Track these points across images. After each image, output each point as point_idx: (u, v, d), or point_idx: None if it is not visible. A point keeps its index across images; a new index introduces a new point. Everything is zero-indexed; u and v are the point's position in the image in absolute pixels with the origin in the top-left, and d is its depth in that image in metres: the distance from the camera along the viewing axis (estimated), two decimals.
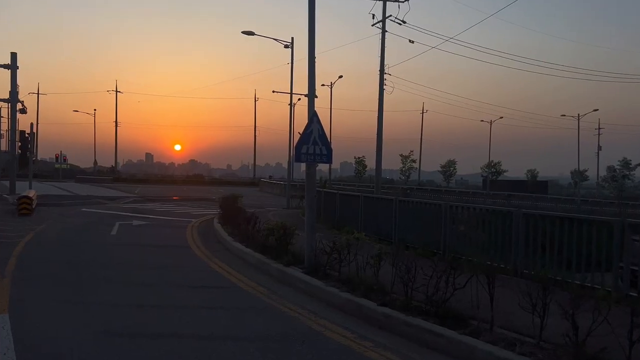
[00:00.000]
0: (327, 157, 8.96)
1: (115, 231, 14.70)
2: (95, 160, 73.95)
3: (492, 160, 74.90)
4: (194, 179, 70.34)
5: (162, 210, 22.97)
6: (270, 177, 74.73)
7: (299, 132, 9.28)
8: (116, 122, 73.02)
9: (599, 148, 61.57)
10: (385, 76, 26.63)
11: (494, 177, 72.53)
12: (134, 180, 62.30)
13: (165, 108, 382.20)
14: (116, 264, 9.74)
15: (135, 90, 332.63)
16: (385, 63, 26.11)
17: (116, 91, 72.15)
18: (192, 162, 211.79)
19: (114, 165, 75.20)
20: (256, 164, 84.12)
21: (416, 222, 11.69)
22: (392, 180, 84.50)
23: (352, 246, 7.94)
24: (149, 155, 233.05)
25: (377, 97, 25.96)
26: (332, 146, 9.23)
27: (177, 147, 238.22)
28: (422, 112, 75.90)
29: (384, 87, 26.23)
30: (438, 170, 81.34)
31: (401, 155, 74.61)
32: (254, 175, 79.55)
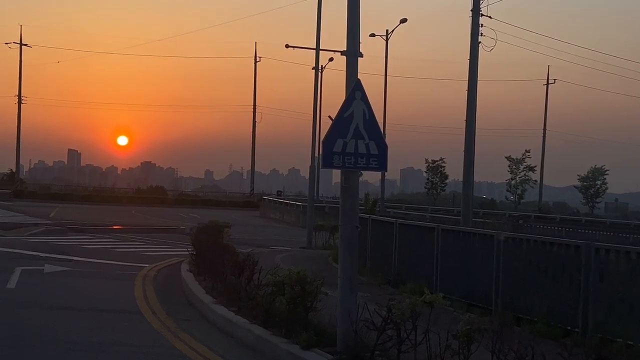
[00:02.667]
0: (379, 161, 8.96)
1: (13, 283, 14.94)
2: None
3: None
4: (149, 195, 71.32)
5: (94, 247, 23.30)
6: (279, 192, 75.18)
7: (329, 117, 9.36)
8: (19, 97, 74.83)
9: None
10: (482, 20, 26.57)
11: None
12: (48, 196, 63.52)
13: (103, 74, 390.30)
14: (12, 339, 9.86)
15: (52, 43, 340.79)
16: None
17: (20, 44, 74.07)
18: (147, 166, 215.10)
19: (14, 170, 76.92)
20: (255, 170, 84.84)
21: (534, 276, 11.54)
22: (494, 202, 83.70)
23: (422, 316, 7.89)
24: (73, 155, 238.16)
25: (468, 58, 25.91)
26: (387, 141, 9.23)
27: (122, 142, 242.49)
28: (547, 83, 75.23)
29: (479, 39, 26.16)
30: (574, 186, 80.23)
31: (509, 158, 73.93)
32: (252, 189, 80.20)
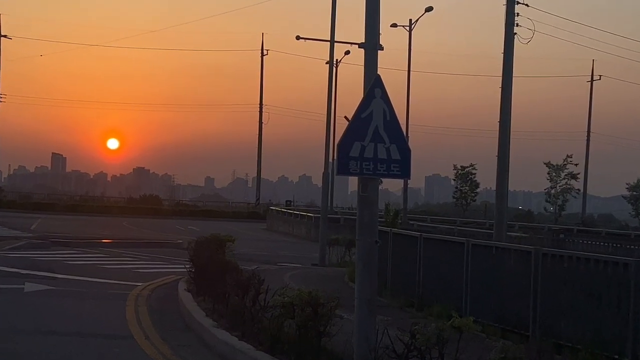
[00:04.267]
0: (401, 167, 8.96)
1: None
2: None
3: None
4: (143, 204, 71.53)
5: (81, 263, 23.33)
6: (288, 202, 75.18)
7: (345, 117, 9.36)
8: None
9: None
10: (518, 8, 26.53)
11: None
12: (29, 205, 63.88)
13: (91, 70, 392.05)
14: None
15: (34, 35, 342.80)
16: None
17: None
18: (140, 172, 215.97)
19: None
20: (262, 177, 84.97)
21: (577, 297, 11.49)
22: (531, 214, 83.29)
23: (449, 343, 7.88)
24: (58, 159, 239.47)
25: (502, 51, 25.88)
26: (411, 145, 9.23)
27: (112, 145, 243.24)
28: (591, 80, 75.01)
29: (515, 30, 26.12)
30: (622, 196, 79.77)
31: (548, 164, 73.65)
32: (258, 198, 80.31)
